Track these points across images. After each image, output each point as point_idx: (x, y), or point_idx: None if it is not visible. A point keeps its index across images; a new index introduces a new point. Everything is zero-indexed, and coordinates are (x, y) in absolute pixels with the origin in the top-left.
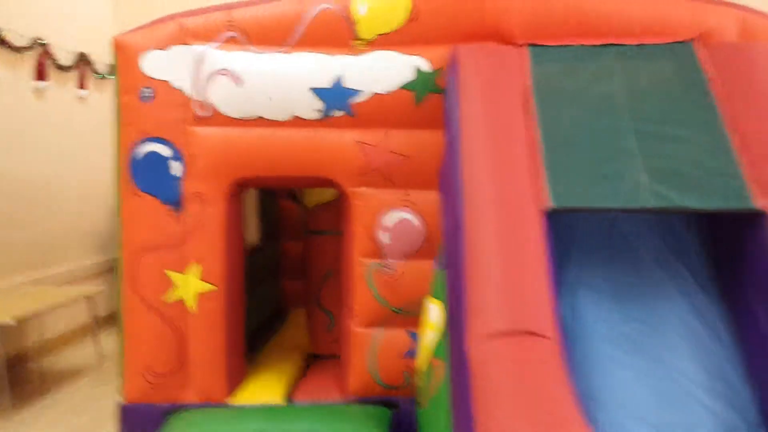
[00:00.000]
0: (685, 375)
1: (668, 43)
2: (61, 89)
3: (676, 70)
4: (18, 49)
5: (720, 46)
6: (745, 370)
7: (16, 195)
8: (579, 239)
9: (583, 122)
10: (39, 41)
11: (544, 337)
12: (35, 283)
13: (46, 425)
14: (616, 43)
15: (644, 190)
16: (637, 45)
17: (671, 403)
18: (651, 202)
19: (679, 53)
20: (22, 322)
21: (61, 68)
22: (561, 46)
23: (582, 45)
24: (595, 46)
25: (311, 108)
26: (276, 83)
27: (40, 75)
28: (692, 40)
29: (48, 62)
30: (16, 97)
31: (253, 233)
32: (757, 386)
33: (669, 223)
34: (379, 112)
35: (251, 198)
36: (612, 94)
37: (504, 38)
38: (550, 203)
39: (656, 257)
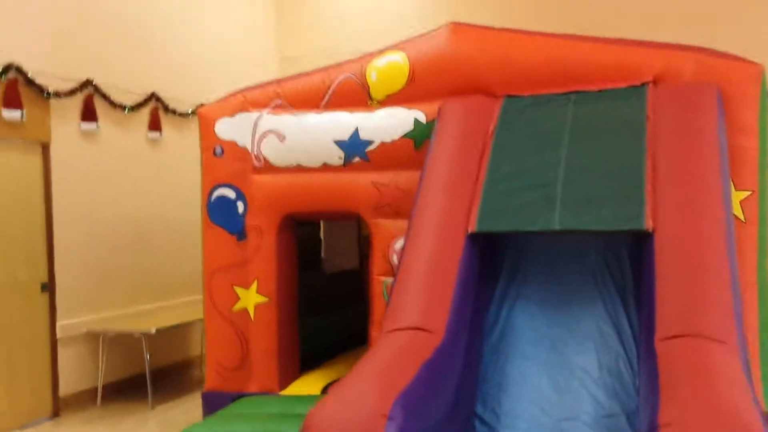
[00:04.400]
0: (583, 369)
1: (625, 87)
2: None
3: (622, 112)
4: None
5: (667, 87)
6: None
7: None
8: (530, 255)
9: (525, 158)
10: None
11: (429, 332)
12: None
13: (174, 417)
14: (579, 89)
15: (555, 215)
16: (597, 90)
17: (564, 393)
18: (556, 226)
19: (631, 96)
20: (166, 335)
21: None
22: (531, 95)
23: (549, 93)
24: (559, 93)
25: (336, 156)
26: (309, 138)
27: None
28: (646, 83)
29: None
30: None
31: (354, 259)
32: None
33: (611, 242)
34: (387, 158)
35: (353, 228)
36: (558, 134)
37: (487, 91)
38: (473, 227)
39: (593, 271)
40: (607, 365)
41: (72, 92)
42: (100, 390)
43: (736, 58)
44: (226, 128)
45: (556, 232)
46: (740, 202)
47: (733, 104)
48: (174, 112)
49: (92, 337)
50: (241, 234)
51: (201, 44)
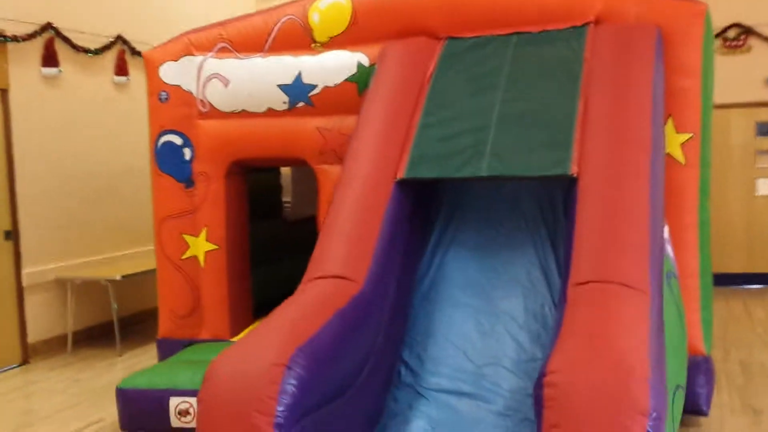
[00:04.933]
0: (509, 314)
1: (566, 29)
2: None
3: (560, 54)
4: None
5: (607, 28)
6: None
7: None
8: (467, 202)
9: (460, 103)
10: None
11: (349, 280)
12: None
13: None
14: (521, 30)
15: (484, 161)
16: (539, 32)
17: (488, 338)
18: (483, 173)
19: (571, 37)
20: (135, 283)
21: None
22: (473, 37)
23: (491, 35)
24: (500, 35)
25: (280, 101)
26: (253, 82)
27: None
28: (588, 23)
29: None
30: None
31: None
32: None
33: (546, 187)
34: (331, 102)
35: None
36: (494, 77)
37: (430, 33)
38: (401, 174)
39: (526, 216)
40: (533, 310)
41: (31, 36)
42: (70, 337)
43: None
44: (171, 72)
45: (483, 179)
46: (681, 145)
47: (676, 45)
48: (142, 55)
49: (60, 285)
50: (188, 181)
51: None
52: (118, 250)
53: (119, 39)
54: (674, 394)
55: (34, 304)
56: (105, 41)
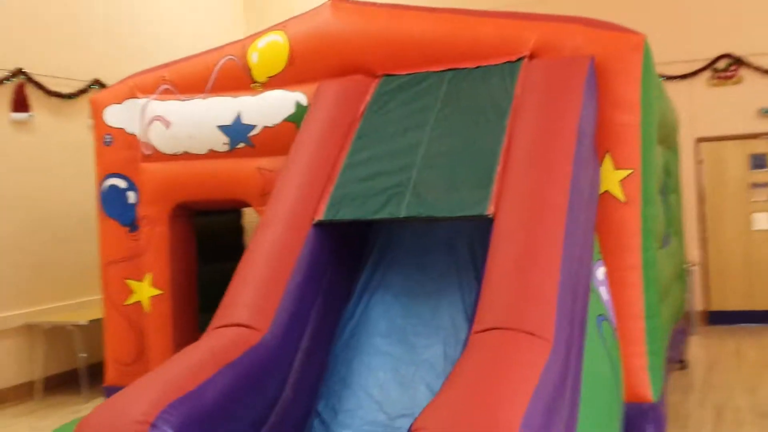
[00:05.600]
0: (428, 363)
1: (501, 64)
2: None
3: (491, 90)
4: None
5: (539, 63)
6: None
7: None
8: (398, 244)
9: (387, 142)
10: None
11: (252, 329)
12: None
13: None
14: (456, 66)
15: (404, 202)
16: (474, 67)
17: (406, 388)
18: (403, 213)
19: (504, 73)
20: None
21: None
22: (408, 74)
23: (426, 71)
24: (436, 71)
25: (221, 142)
26: (194, 123)
27: None
28: (522, 58)
29: None
30: None
31: None
32: None
33: (481, 228)
34: (271, 142)
35: None
36: (424, 115)
37: (367, 71)
38: (318, 216)
39: (458, 259)
40: (452, 357)
41: None
42: (39, 383)
43: (616, 27)
44: (115, 115)
45: (402, 220)
46: (620, 182)
47: (613, 78)
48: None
49: (29, 330)
50: (132, 225)
51: (149, 24)
52: (88, 295)
53: (96, 83)
54: None
55: (2, 350)
56: (81, 85)
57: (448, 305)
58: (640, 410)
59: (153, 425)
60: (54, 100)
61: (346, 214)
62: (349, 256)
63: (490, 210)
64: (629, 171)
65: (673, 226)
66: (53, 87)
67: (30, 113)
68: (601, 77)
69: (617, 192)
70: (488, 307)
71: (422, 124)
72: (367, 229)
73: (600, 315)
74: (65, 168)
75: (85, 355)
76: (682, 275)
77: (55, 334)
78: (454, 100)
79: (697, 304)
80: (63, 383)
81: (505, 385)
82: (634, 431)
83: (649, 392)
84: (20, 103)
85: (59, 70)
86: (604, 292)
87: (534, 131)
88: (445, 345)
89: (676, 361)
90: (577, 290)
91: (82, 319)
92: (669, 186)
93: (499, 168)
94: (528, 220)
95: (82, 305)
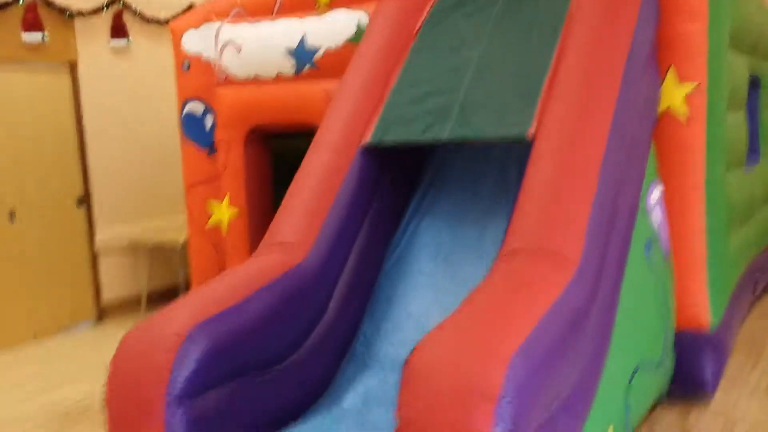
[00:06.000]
0: (469, 286)
1: None
2: None
3: (546, 8)
4: None
5: None
6: None
7: None
8: (450, 168)
9: (437, 62)
10: None
11: (293, 250)
12: None
13: None
14: None
15: (448, 124)
16: None
17: (445, 309)
18: (446, 136)
19: None
20: None
21: None
22: None
23: None
24: None
25: (288, 65)
26: (262, 47)
27: None
28: None
29: None
30: None
31: None
32: None
33: (522, 153)
34: (336, 65)
35: None
36: (476, 35)
37: None
38: (365, 140)
39: (507, 182)
40: None
41: (96, 11)
42: (144, 297)
43: None
44: (193, 41)
45: (445, 142)
46: (685, 97)
47: None
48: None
49: (133, 248)
50: (211, 148)
51: None
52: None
53: (191, 8)
54: (633, 373)
55: (108, 266)
56: (177, 10)
57: (494, 229)
58: (696, 337)
59: (188, 337)
60: (152, 26)
61: (392, 136)
62: (404, 179)
63: (530, 132)
64: (694, 84)
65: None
66: (150, 12)
67: (128, 39)
68: None
69: (680, 108)
70: (515, 229)
71: (475, 42)
72: (424, 152)
73: (649, 237)
74: (160, 93)
75: (183, 271)
76: None
77: (157, 252)
78: (509, 18)
79: None
80: (165, 297)
81: (512, 313)
82: (690, 358)
83: (707, 319)
84: (119, 30)
85: None
86: (657, 213)
87: (582, 47)
88: (487, 270)
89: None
90: (617, 212)
91: (180, 238)
92: (764, 100)
93: (544, 88)
94: (566, 141)
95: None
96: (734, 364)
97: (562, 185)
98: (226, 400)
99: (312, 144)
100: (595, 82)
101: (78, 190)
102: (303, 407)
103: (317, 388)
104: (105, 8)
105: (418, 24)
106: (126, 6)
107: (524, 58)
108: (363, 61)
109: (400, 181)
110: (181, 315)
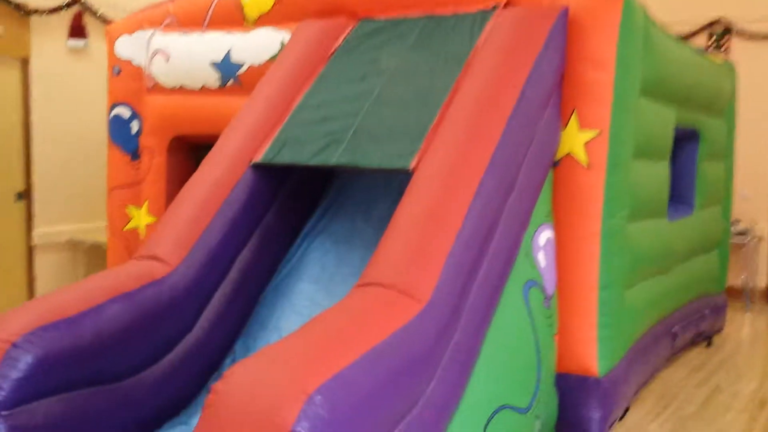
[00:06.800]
0: None
1: (476, 12)
2: None
3: (458, 39)
4: None
5: (510, 13)
6: None
7: None
8: (349, 192)
9: (344, 86)
10: None
11: (161, 261)
12: None
13: None
14: (433, 13)
15: (339, 150)
16: (449, 15)
17: None
18: (334, 161)
19: (476, 21)
20: None
21: None
22: (385, 19)
23: (402, 17)
24: (411, 18)
25: (213, 78)
26: (189, 58)
27: None
28: (497, 6)
29: None
30: None
31: None
32: None
33: None
34: (256, 81)
35: None
36: (387, 63)
37: (350, 12)
38: (257, 158)
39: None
40: None
41: (55, 10)
42: None
43: None
44: (125, 46)
45: (331, 167)
46: (585, 144)
47: (587, 32)
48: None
49: (72, 246)
50: (134, 154)
51: None
52: None
53: None
54: (492, 414)
55: (45, 264)
56: None
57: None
58: (582, 383)
59: (14, 344)
60: None
61: (283, 157)
62: (308, 198)
63: (412, 164)
64: (596, 132)
65: (707, 195)
66: (113, 15)
67: (86, 40)
68: (575, 30)
69: (580, 154)
70: (374, 262)
71: (383, 71)
72: (329, 173)
73: (530, 280)
74: None
75: None
76: (722, 246)
77: (95, 252)
78: (420, 49)
79: (762, 280)
80: None
81: (334, 346)
82: (576, 403)
83: (594, 366)
84: (77, 30)
85: None
86: (542, 257)
87: (476, 83)
88: None
89: (696, 337)
90: (487, 252)
91: None
92: (703, 152)
93: (436, 120)
94: (440, 176)
95: None
96: (638, 413)
97: (429, 220)
98: (62, 410)
99: (206, 157)
100: (480, 119)
101: (19, 185)
102: (161, 422)
103: (179, 404)
104: (65, 8)
105: (333, 49)
106: (87, 7)
107: (425, 89)
108: (272, 79)
109: (303, 200)
110: (16, 320)
